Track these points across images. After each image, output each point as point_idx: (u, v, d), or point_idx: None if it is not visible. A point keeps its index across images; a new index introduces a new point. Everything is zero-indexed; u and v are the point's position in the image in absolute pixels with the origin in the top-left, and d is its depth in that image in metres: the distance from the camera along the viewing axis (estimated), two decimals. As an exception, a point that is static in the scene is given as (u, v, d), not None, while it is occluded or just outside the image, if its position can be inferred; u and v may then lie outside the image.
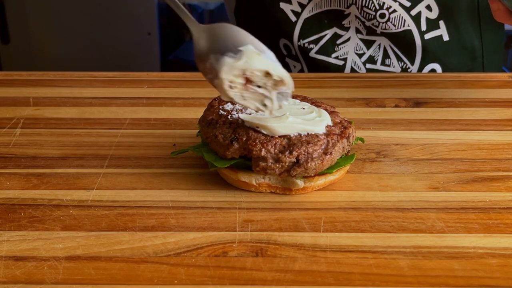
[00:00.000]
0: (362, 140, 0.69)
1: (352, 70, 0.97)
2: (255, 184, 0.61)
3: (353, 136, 0.64)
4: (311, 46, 0.95)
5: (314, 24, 0.96)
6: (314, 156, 0.59)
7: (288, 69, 1.04)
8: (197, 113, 0.67)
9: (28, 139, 0.73)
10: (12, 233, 0.55)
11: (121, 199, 0.61)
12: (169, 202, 0.60)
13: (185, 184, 0.63)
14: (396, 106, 0.83)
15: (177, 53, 2.48)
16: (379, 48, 0.93)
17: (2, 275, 0.49)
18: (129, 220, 0.57)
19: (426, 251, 0.53)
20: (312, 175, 0.60)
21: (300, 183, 0.61)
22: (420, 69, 0.98)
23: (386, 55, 0.95)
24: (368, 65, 0.95)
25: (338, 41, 0.95)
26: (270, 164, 0.59)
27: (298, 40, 0.95)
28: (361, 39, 0.94)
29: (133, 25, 2.33)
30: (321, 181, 0.62)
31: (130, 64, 2.35)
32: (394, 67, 0.95)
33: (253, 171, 0.60)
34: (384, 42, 0.94)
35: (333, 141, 0.60)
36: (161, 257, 0.52)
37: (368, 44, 0.95)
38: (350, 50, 0.94)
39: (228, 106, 0.65)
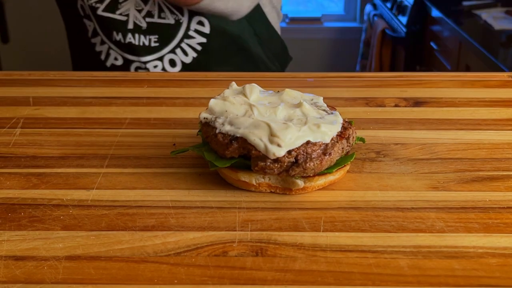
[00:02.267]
0: (363, 140, 0.69)
1: (135, 24, 1.09)
2: (255, 184, 0.61)
3: (353, 137, 0.63)
4: (98, 5, 1.07)
5: None
6: (313, 156, 0.59)
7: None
8: (197, 112, 0.67)
9: (28, 139, 0.73)
10: (12, 233, 0.55)
11: (121, 198, 0.61)
12: (169, 202, 0.60)
13: (185, 184, 0.63)
14: (396, 105, 0.83)
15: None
16: (154, 3, 1.07)
17: (2, 275, 0.49)
18: (129, 220, 0.57)
19: (426, 250, 0.53)
20: (311, 175, 0.60)
21: (300, 183, 0.61)
22: (189, 20, 1.09)
23: (161, 9, 1.08)
24: (148, 19, 1.09)
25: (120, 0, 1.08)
26: (268, 163, 0.58)
27: (88, 0, 1.08)
28: None
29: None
30: (321, 181, 0.62)
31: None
32: (169, 19, 1.08)
33: (253, 171, 0.60)
34: None
35: (332, 141, 0.60)
36: (161, 256, 0.52)
37: (145, 0, 1.08)
38: (131, 7, 1.07)
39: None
